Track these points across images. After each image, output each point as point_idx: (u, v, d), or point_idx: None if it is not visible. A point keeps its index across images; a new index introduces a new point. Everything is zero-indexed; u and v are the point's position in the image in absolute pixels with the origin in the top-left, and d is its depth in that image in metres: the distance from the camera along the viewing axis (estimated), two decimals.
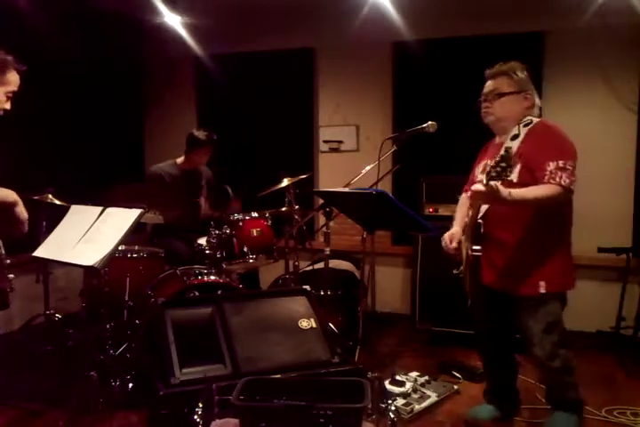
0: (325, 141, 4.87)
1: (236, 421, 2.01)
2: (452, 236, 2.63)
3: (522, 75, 2.53)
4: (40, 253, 2.78)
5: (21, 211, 1.62)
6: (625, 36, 3.92)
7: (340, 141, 4.82)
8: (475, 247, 2.52)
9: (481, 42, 4.29)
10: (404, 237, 4.51)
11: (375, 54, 4.65)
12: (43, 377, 3.12)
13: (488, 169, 2.08)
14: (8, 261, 2.16)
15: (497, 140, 2.62)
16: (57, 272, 3.98)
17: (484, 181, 2.08)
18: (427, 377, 3.21)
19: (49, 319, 3.56)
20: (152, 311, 2.92)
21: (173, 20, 4.76)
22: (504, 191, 2.10)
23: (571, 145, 2.40)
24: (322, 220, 3.89)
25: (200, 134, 3.92)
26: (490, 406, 2.78)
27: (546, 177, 2.28)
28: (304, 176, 3.81)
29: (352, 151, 4.79)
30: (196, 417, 2.14)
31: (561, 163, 2.28)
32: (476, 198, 2.27)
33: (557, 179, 2.27)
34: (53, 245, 2.77)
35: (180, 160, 4.08)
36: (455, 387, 3.17)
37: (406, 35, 4.34)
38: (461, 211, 2.76)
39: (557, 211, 2.44)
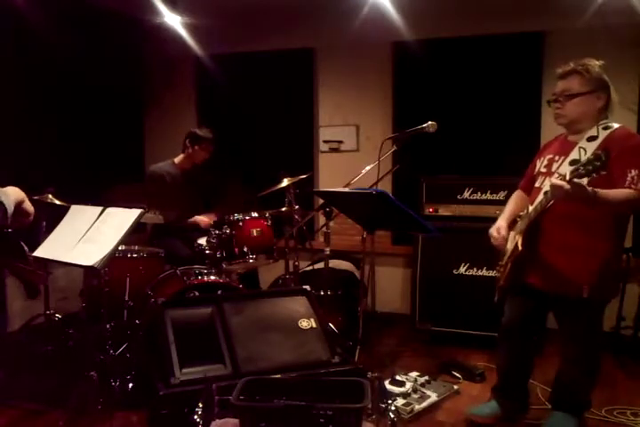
0: (325, 141, 4.87)
1: (235, 421, 2.01)
2: (498, 229, 2.61)
3: (595, 72, 2.40)
4: (40, 253, 2.78)
5: (28, 206, 1.72)
6: (625, 36, 3.92)
7: (340, 141, 4.82)
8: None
9: (481, 42, 4.30)
10: (404, 237, 4.51)
11: (375, 54, 4.65)
12: (43, 377, 3.12)
13: (576, 166, 2.08)
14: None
15: (569, 137, 2.53)
16: (57, 272, 3.98)
17: (568, 178, 2.08)
18: (427, 377, 3.21)
19: (49, 319, 3.55)
20: (152, 311, 2.92)
21: (173, 20, 4.77)
22: (589, 190, 2.10)
23: None
24: (322, 220, 3.89)
25: (202, 132, 4.00)
26: (494, 404, 2.77)
27: (627, 182, 2.26)
28: (304, 176, 3.80)
29: (352, 151, 4.79)
30: (195, 417, 2.14)
31: None
32: (556, 193, 2.19)
33: (639, 185, 2.26)
34: (53, 245, 2.77)
35: (178, 160, 4.08)
36: (455, 387, 3.17)
37: (406, 35, 4.34)
38: (512, 206, 2.73)
39: (620, 220, 2.44)
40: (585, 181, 2.13)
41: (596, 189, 2.13)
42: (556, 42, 4.12)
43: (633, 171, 2.26)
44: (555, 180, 2.15)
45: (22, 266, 2.63)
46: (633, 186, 2.25)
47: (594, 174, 2.05)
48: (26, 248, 2.11)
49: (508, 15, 4.16)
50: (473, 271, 3.90)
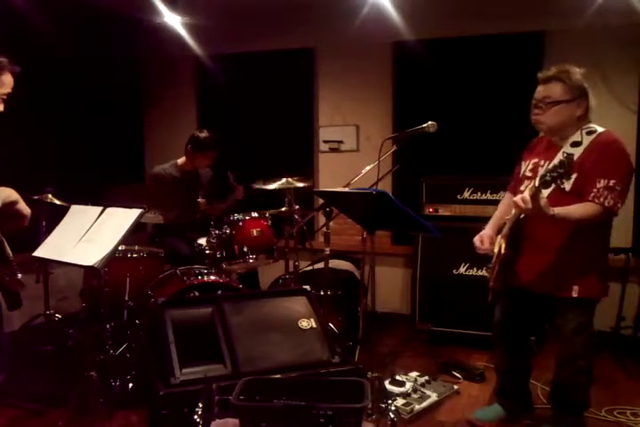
0: (325, 141, 4.87)
1: (235, 421, 2.01)
2: (482, 238, 2.62)
3: (576, 80, 2.39)
4: (40, 253, 2.78)
5: (23, 207, 1.68)
6: (625, 36, 3.92)
7: (340, 141, 4.82)
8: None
9: (481, 42, 4.30)
10: (404, 237, 4.51)
11: (375, 54, 4.65)
12: (43, 377, 3.12)
13: (543, 172, 2.07)
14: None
15: (553, 139, 2.52)
16: (57, 272, 3.98)
17: (536, 185, 2.08)
18: (427, 377, 3.21)
19: (49, 319, 3.56)
20: (152, 311, 2.92)
21: (173, 20, 4.77)
22: (548, 210, 2.12)
23: (628, 165, 2.36)
24: (322, 220, 3.89)
25: (204, 138, 3.90)
26: (497, 407, 2.77)
27: (591, 195, 2.27)
28: (304, 176, 3.80)
29: (352, 151, 4.79)
30: (195, 417, 2.14)
31: (611, 182, 2.26)
32: (520, 208, 2.19)
33: (602, 199, 2.25)
34: (53, 245, 2.77)
35: (181, 161, 4.07)
36: (455, 387, 3.18)
37: (406, 35, 4.35)
38: (499, 211, 2.74)
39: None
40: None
41: (554, 209, 2.15)
42: (555, 42, 4.11)
43: (602, 181, 2.27)
44: (520, 196, 2.16)
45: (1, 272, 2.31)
46: (596, 200, 2.26)
47: (559, 181, 2.06)
48: (9, 252, 2.01)
49: (508, 15, 4.16)
50: (473, 271, 3.90)
